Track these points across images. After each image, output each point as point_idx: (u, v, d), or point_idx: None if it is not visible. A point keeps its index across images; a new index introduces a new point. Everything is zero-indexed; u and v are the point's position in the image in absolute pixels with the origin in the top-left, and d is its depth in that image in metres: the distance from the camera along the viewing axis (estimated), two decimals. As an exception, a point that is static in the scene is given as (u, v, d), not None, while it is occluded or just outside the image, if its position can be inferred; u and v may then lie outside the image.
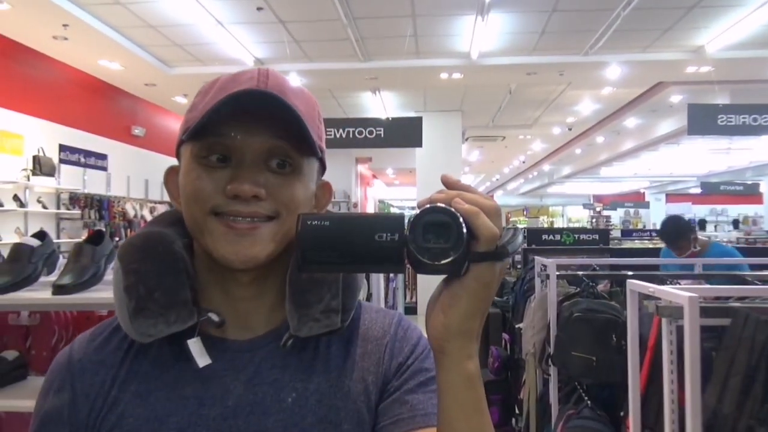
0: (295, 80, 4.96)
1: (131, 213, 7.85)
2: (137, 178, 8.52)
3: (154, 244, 0.65)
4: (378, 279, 4.38)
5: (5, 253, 1.72)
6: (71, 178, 6.93)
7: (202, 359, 0.62)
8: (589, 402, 2.48)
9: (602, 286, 2.96)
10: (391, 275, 5.92)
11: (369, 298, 4.04)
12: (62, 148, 6.53)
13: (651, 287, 1.71)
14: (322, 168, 0.70)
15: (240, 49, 6.80)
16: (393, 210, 19.53)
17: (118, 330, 0.66)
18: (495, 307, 4.01)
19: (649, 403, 1.84)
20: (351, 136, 6.59)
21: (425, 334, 0.62)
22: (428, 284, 6.49)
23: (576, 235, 4.51)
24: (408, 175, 16.84)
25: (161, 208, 8.44)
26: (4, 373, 1.66)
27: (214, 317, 0.64)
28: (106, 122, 7.89)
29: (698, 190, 17.92)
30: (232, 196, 0.60)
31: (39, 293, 1.56)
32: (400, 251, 0.48)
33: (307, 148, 0.63)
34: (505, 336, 3.92)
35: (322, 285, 0.65)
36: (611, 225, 18.63)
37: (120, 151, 8.10)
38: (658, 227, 6.18)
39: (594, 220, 20.72)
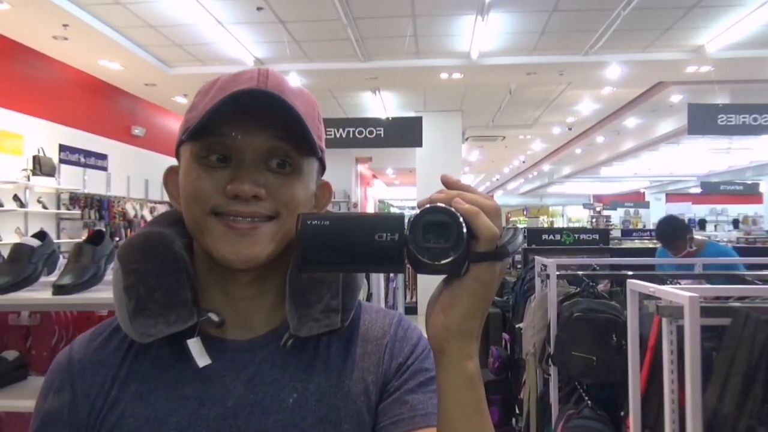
0: (295, 80, 4.97)
1: (131, 213, 7.85)
2: (137, 178, 8.52)
3: (154, 244, 0.65)
4: (378, 279, 4.38)
5: (5, 253, 1.72)
6: (71, 178, 6.93)
7: (202, 359, 0.62)
8: (589, 402, 2.48)
9: (602, 286, 2.96)
10: (391, 275, 5.91)
11: (369, 298, 4.04)
12: (62, 148, 6.53)
13: (651, 287, 1.71)
14: (322, 168, 0.70)
15: (240, 49, 6.80)
16: (393, 210, 19.52)
17: (118, 330, 0.66)
18: (495, 307, 4.01)
19: (649, 402, 1.84)
20: (351, 136, 6.58)
21: (425, 334, 0.62)
22: (428, 284, 6.49)
23: (576, 235, 4.51)
24: (408, 175, 16.84)
25: (161, 208, 8.44)
26: (5, 373, 1.66)
27: (214, 317, 0.64)
28: (106, 122, 7.89)
29: (698, 190, 17.93)
30: (232, 196, 0.60)
31: (39, 293, 1.56)
32: (400, 251, 0.48)
33: (307, 148, 0.63)
34: (506, 336, 3.92)
35: (322, 285, 0.65)
36: (611, 225, 18.60)
37: (120, 151, 8.10)
38: (656, 227, 6.17)
39: (594, 220, 20.71)
